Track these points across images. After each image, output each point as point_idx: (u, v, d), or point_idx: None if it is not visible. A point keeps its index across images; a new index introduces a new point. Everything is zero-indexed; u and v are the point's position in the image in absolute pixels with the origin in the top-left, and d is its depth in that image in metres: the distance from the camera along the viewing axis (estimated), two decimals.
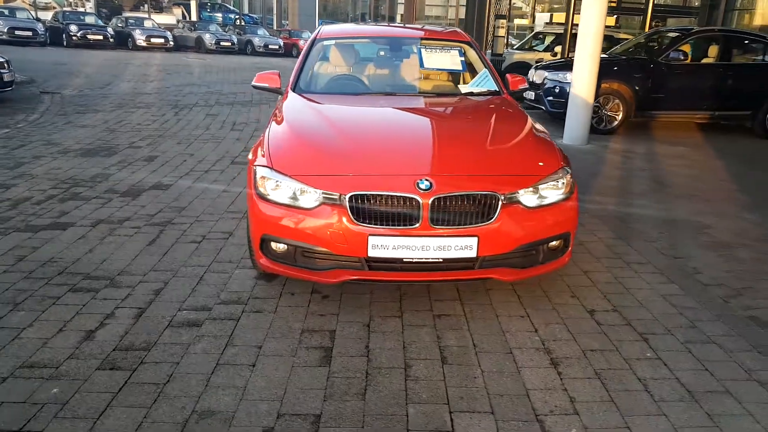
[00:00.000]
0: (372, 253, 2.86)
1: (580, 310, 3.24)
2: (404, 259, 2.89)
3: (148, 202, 4.97)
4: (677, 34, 9.34)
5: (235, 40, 27.15)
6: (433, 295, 3.34)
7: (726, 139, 8.93)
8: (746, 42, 9.50)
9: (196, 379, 2.53)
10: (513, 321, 3.10)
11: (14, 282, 3.40)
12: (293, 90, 4.19)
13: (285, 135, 3.43)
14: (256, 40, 27.69)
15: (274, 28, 34.98)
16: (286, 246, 3.05)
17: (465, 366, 2.68)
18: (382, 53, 4.74)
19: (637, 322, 3.12)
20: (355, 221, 2.86)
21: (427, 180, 2.88)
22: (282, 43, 28.17)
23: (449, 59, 4.46)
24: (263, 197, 3.06)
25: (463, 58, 4.48)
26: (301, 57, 4.46)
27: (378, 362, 2.70)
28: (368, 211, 2.86)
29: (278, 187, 3.02)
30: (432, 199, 2.83)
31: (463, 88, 4.31)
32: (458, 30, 5.45)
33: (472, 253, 2.89)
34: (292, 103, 3.97)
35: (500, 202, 2.91)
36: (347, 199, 2.86)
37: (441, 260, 2.90)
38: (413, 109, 4.01)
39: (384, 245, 2.85)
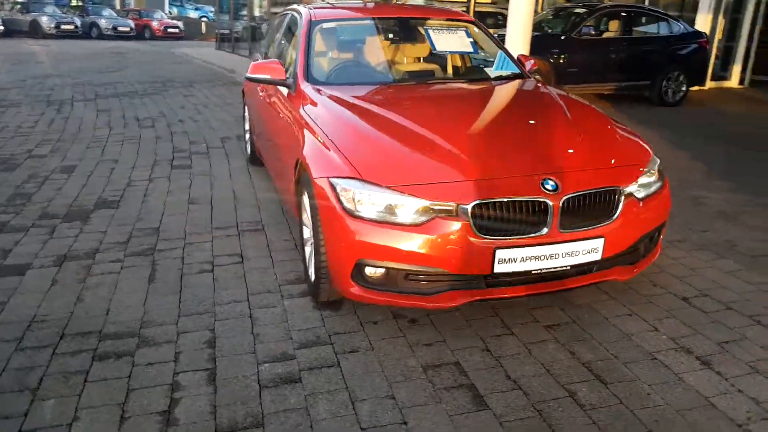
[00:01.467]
0: (498, 268, 2.49)
1: (674, 300, 3.13)
2: (532, 272, 2.55)
3: (105, 225, 4.08)
4: (584, 9, 9.73)
5: (79, 23, 24.12)
6: (527, 303, 3.03)
7: (628, 108, 9.51)
8: (644, 17, 10.13)
9: None
10: (626, 322, 2.90)
11: (6, 357, 2.55)
12: (308, 81, 3.58)
13: (353, 138, 2.87)
14: (103, 22, 24.84)
15: (118, 7, 31.55)
16: (385, 270, 2.57)
17: (627, 383, 2.43)
18: (390, 36, 4.25)
19: (735, 305, 3.08)
20: (479, 234, 2.46)
21: (551, 180, 2.55)
22: (133, 25, 25.57)
23: (459, 41, 4.10)
24: (354, 215, 2.53)
25: (471, 39, 4.14)
26: (302, 44, 3.82)
27: (536, 394, 2.35)
28: (492, 221, 2.48)
29: (372, 202, 2.52)
30: (562, 200, 2.52)
31: (490, 72, 3.97)
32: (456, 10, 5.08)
33: (597, 256, 2.63)
34: (327, 100, 3.35)
35: (622, 197, 2.67)
36: (470, 209, 2.44)
37: (569, 267, 2.61)
38: (467, 99, 3.62)
39: (512, 258, 2.49)
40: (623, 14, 9.86)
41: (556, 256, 2.54)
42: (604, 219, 2.64)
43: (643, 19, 10.08)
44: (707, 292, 3.21)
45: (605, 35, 9.74)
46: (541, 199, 2.49)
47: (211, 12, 41.48)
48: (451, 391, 2.36)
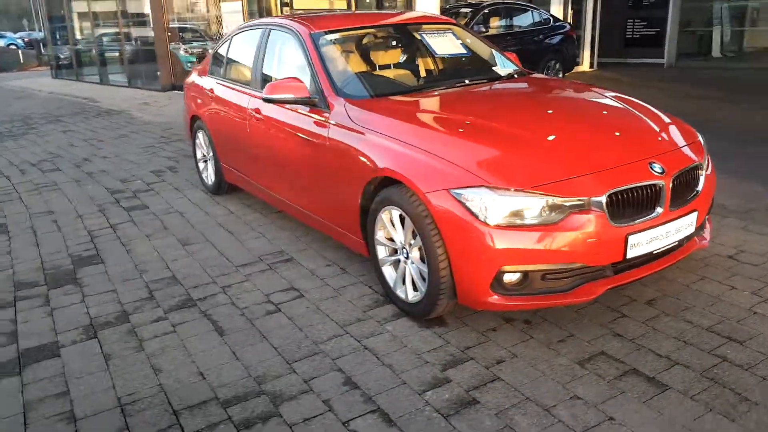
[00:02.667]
0: (630, 253, 2.59)
1: (722, 259, 3.45)
2: (654, 252, 2.69)
3: (106, 283, 3.56)
4: (470, 8, 10.25)
5: None
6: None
7: None
8: (521, 12, 10.90)
9: None
10: (704, 286, 3.14)
11: None
12: (339, 96, 3.39)
13: (447, 146, 2.77)
14: None
15: None
16: (520, 275, 2.54)
17: (756, 338, 2.65)
18: (393, 43, 4.14)
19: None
20: (613, 223, 2.53)
21: (656, 163, 2.69)
22: None
23: (451, 44, 4.13)
24: (487, 223, 2.47)
25: (460, 41, 4.20)
26: (315, 58, 3.59)
27: (695, 365, 2.48)
28: (622, 209, 2.57)
29: (503, 207, 2.47)
30: (671, 180, 2.68)
31: (500, 71, 4.04)
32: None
33: (692, 229, 2.84)
34: (381, 113, 3.19)
35: (702, 171, 2.90)
36: (604, 199, 2.51)
37: (676, 243, 2.78)
38: (524, 97, 3.69)
39: (640, 242, 2.61)
40: (503, 10, 10.54)
41: (669, 233, 2.70)
42: (693, 194, 2.84)
43: (520, 14, 10.87)
44: (742, 248, 3.58)
45: (490, 31, 10.36)
46: (657, 182, 2.62)
47: (20, 38, 37.25)
48: (623, 380, 2.41)
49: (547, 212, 2.48)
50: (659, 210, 2.65)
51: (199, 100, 5.08)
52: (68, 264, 3.88)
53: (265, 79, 4.12)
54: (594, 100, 3.56)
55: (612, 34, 14.69)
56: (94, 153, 7.31)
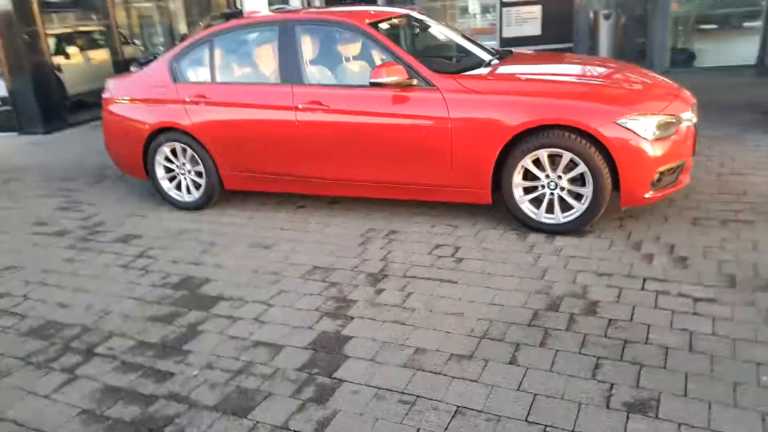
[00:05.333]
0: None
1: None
2: None
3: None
4: (226, 17, 10.59)
5: None
6: None
7: None
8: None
9: None
10: None
11: None
12: (437, 73, 3.93)
13: (578, 94, 3.71)
14: None
15: None
16: (658, 173, 3.65)
17: None
18: (416, 32, 4.63)
19: None
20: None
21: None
22: None
23: (443, 32, 4.93)
24: (648, 138, 3.50)
25: (440, 31, 5.02)
26: (392, 45, 3.97)
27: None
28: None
29: (650, 126, 3.53)
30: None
31: (489, 51, 4.93)
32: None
33: None
34: (496, 77, 4.03)
35: None
36: (690, 114, 3.77)
37: None
38: (561, 61, 4.81)
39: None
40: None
41: None
42: None
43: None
44: None
45: None
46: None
47: None
48: None
49: (670, 127, 3.62)
50: None
51: (168, 112, 4.67)
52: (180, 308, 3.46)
53: (309, 73, 4.26)
54: (596, 63, 4.81)
55: None
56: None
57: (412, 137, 3.96)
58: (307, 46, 4.33)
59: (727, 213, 3.90)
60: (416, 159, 3.99)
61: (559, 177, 3.71)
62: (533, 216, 3.84)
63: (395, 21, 4.59)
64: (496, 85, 3.87)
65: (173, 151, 4.81)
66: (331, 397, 2.42)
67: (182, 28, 13.70)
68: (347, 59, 4.44)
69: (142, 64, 9.28)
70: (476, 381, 2.44)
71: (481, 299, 3.09)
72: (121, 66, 11.10)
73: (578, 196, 3.71)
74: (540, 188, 3.80)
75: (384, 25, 4.31)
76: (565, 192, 3.73)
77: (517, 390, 2.36)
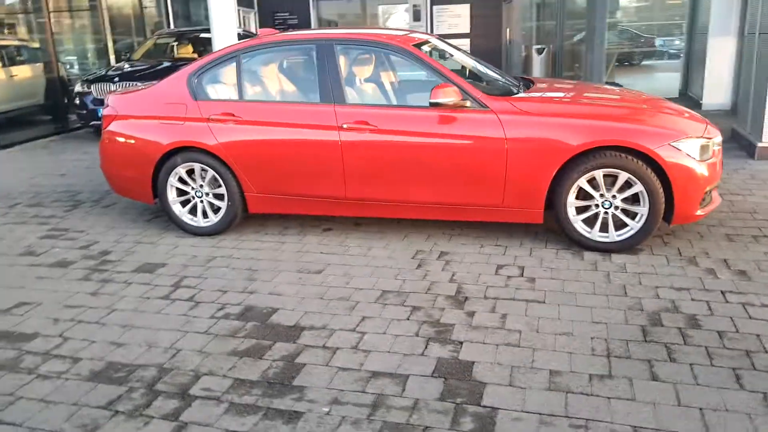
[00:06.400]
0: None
1: None
2: None
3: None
4: (175, 37, 10.21)
5: None
6: None
7: None
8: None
9: None
10: None
11: None
12: (490, 95, 3.96)
13: (630, 116, 3.91)
14: None
15: None
16: (704, 192, 3.86)
17: None
18: (447, 54, 4.61)
19: None
20: None
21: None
22: None
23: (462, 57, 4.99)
24: (698, 159, 3.71)
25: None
26: (441, 67, 3.96)
27: None
28: None
29: (696, 148, 3.74)
30: None
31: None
32: None
33: None
34: (557, 103, 4.13)
35: None
36: (720, 138, 4.04)
37: None
38: (589, 90, 4.90)
39: None
40: (193, 37, 10.45)
41: None
42: None
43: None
44: None
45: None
46: None
47: None
48: None
49: (710, 149, 3.85)
50: None
51: (187, 130, 4.35)
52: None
53: (351, 93, 4.14)
54: (615, 91, 5.01)
55: None
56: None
57: (465, 158, 3.94)
58: (348, 66, 4.21)
59: (752, 229, 4.19)
60: (469, 179, 3.97)
61: (614, 197, 3.83)
62: (587, 234, 3.92)
63: (425, 46, 4.57)
64: (551, 107, 3.95)
65: (189, 173, 4.46)
66: (496, 426, 2.30)
67: (107, 44, 12.88)
68: (392, 80, 4.36)
69: (91, 81, 8.70)
70: (634, 400, 2.41)
71: (580, 318, 3.09)
72: (56, 83, 10.26)
73: (632, 215, 3.84)
74: (594, 207, 3.89)
75: (426, 48, 4.29)
76: (619, 211, 3.85)
77: (679, 406, 2.36)
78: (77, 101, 8.84)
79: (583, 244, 3.95)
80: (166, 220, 4.91)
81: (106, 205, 5.51)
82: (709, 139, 3.85)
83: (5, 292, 3.72)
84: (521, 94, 4.17)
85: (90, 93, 8.71)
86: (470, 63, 4.87)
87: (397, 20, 19.52)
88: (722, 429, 2.22)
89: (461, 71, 4.89)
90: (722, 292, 3.29)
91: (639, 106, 4.19)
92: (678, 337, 2.86)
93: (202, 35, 10.52)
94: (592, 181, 3.84)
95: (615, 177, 3.79)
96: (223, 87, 4.43)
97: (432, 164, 3.99)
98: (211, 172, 4.38)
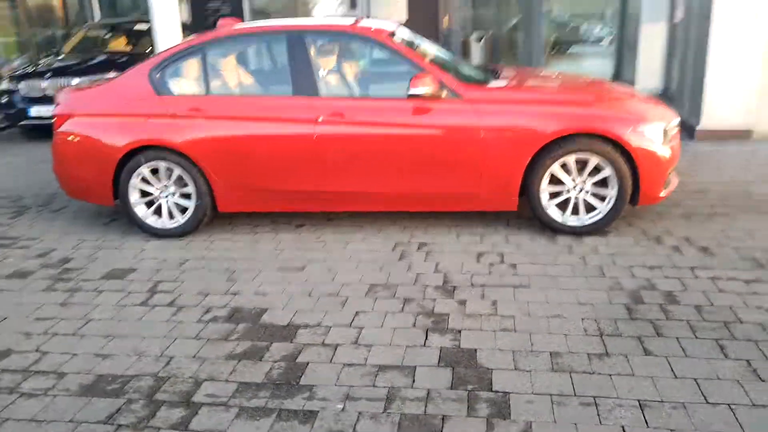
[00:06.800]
0: None
1: None
2: None
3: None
4: (107, 29, 9.80)
5: None
6: None
7: None
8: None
9: None
10: None
11: None
12: (464, 83, 4.01)
13: (609, 102, 4.01)
14: None
15: None
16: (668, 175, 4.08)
17: None
18: (415, 43, 4.59)
19: None
20: None
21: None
22: None
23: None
24: (663, 143, 3.91)
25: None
26: (416, 56, 3.97)
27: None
28: None
29: (666, 133, 3.95)
30: None
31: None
32: None
33: None
34: (531, 92, 4.20)
35: None
36: (678, 121, 4.27)
37: None
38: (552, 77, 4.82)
39: None
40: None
41: None
42: None
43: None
44: None
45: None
46: None
47: None
48: None
49: (670, 132, 4.06)
50: None
51: (150, 128, 4.17)
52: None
53: (325, 85, 4.09)
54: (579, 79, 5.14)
55: None
56: None
57: (442, 148, 3.98)
58: (322, 58, 4.15)
59: (706, 208, 4.47)
60: (446, 169, 4.01)
61: (584, 181, 3.98)
62: (559, 219, 4.05)
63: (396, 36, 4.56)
64: (524, 95, 4.04)
65: (153, 172, 4.28)
66: (511, 410, 2.36)
67: (29, 37, 12.09)
68: (364, 71, 4.33)
69: (19, 78, 8.14)
70: (634, 375, 2.54)
71: (567, 300, 3.20)
72: None
73: (601, 198, 4.00)
74: (565, 192, 4.03)
75: (398, 38, 4.27)
76: (589, 195, 4.00)
77: (676, 378, 2.50)
78: (3, 99, 8.27)
79: (555, 229, 4.09)
80: (125, 223, 4.70)
81: (55, 209, 5.20)
82: (668, 122, 4.06)
83: None
84: (494, 83, 4.24)
85: (17, 91, 8.18)
86: (436, 53, 4.90)
87: (328, 6, 19.39)
88: (719, 396, 2.37)
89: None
90: (691, 269, 3.50)
91: (602, 91, 4.33)
92: (660, 313, 3.02)
93: (136, 27, 10.10)
94: (563, 167, 3.97)
95: (584, 162, 3.93)
96: (188, 81, 4.27)
97: (410, 155, 4.01)
98: (177, 171, 4.22)
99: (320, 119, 4.02)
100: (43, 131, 8.70)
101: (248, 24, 4.42)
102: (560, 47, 14.49)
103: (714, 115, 6.27)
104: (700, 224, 4.16)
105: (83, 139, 4.29)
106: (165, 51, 4.32)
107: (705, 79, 6.16)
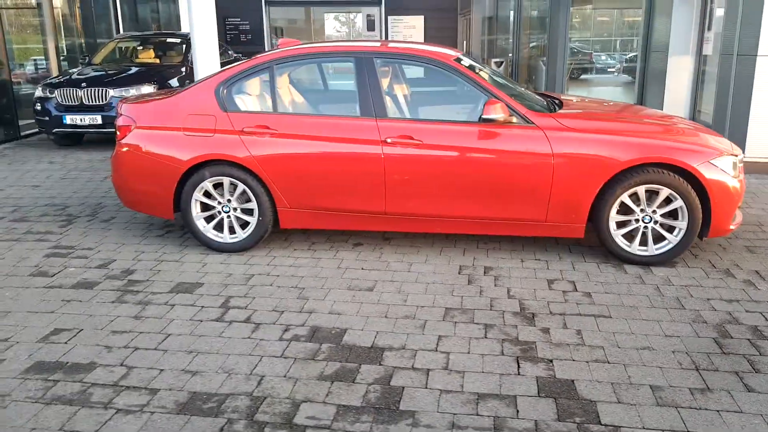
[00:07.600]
0: None
1: None
2: None
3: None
4: (138, 41, 9.97)
5: None
6: None
7: None
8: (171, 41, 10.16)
9: None
10: None
11: None
12: (532, 111, 4.03)
13: (679, 133, 4.02)
14: None
15: None
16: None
17: None
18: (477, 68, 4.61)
19: None
20: None
21: None
22: None
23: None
24: (734, 176, 3.91)
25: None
26: (487, 83, 4.00)
27: None
28: None
29: (735, 166, 3.96)
30: None
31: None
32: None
33: None
34: (602, 120, 4.20)
35: None
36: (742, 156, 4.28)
37: None
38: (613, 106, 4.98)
39: None
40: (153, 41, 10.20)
41: None
42: None
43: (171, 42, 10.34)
44: None
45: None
46: None
47: None
48: None
49: (738, 166, 4.08)
50: None
51: (216, 143, 4.16)
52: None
53: (393, 107, 4.10)
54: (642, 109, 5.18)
55: None
56: None
57: (511, 173, 3.97)
58: (390, 80, 4.16)
59: (764, 241, 4.46)
60: (514, 194, 4.00)
61: (654, 211, 3.97)
62: (626, 248, 4.04)
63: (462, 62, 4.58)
64: (596, 124, 4.04)
65: (215, 187, 4.27)
66: None
67: (59, 45, 12.14)
68: (431, 94, 4.34)
69: (54, 86, 8.14)
70: (741, 412, 2.50)
71: (652, 332, 3.17)
72: (7, 86, 9.52)
73: (669, 229, 3.99)
74: (633, 222, 4.02)
75: (465, 64, 4.30)
76: (658, 225, 4.00)
77: None
78: (38, 106, 8.26)
79: (622, 258, 4.07)
80: (180, 235, 4.67)
81: (104, 219, 5.17)
82: (736, 156, 4.07)
83: (33, 317, 3.42)
84: (563, 111, 4.25)
85: (53, 98, 8.18)
86: (499, 80, 4.93)
87: (342, 28, 19.61)
88: None
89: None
90: None
91: (672, 124, 4.35)
92: (751, 348, 2.99)
93: (165, 39, 10.18)
94: (632, 196, 3.96)
95: (655, 192, 3.93)
96: (255, 98, 4.27)
97: (478, 179, 4.00)
98: (241, 187, 4.20)
99: (388, 140, 4.01)
100: (75, 138, 8.72)
101: (312, 44, 4.44)
102: (574, 73, 14.60)
103: (757, 148, 6.31)
104: (765, 257, 4.15)
105: (146, 152, 4.27)
106: (231, 68, 4.33)
107: (750, 112, 6.20)
